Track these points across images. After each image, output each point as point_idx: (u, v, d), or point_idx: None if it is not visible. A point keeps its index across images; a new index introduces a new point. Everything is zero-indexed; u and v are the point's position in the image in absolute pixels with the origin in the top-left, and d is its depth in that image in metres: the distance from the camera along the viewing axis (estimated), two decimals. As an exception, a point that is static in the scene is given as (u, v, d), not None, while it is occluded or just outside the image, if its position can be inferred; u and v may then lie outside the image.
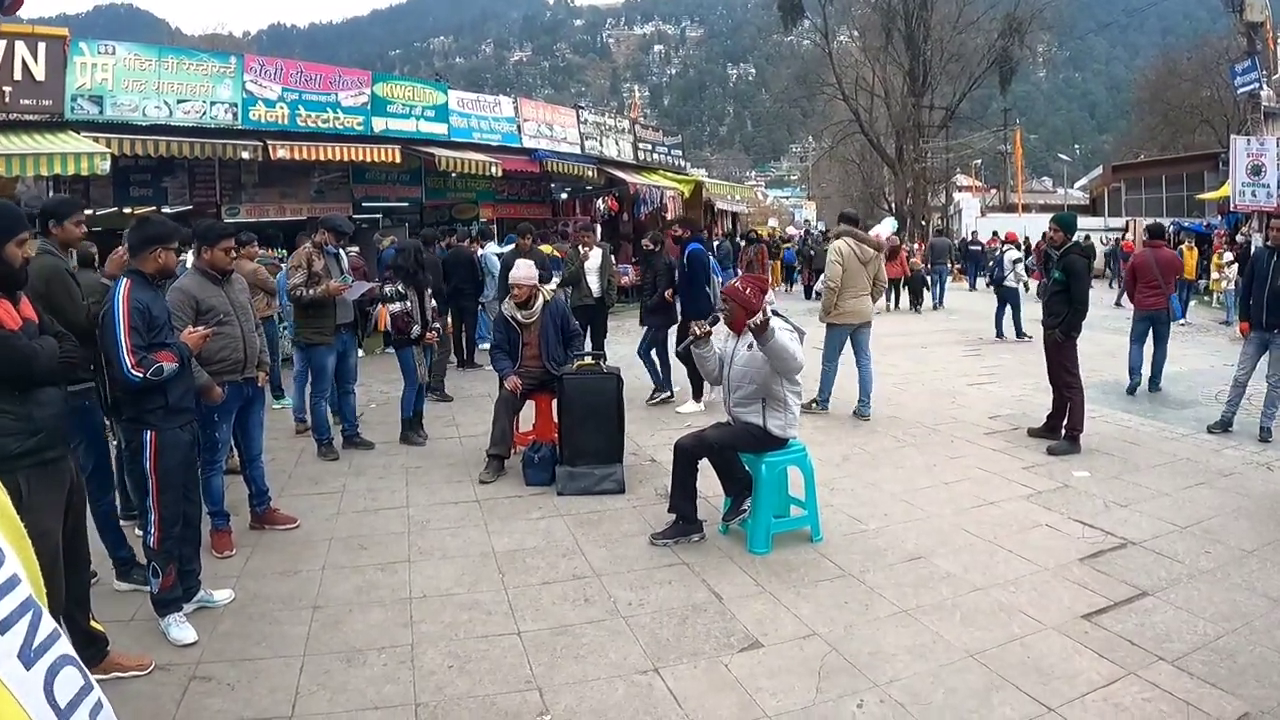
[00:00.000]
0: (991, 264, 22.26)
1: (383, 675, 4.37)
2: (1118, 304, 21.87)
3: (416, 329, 8.97)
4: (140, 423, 4.78)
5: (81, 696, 0.91)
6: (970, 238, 28.48)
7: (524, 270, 8.21)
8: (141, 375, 4.54)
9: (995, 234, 27.05)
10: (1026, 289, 18.47)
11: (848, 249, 10.16)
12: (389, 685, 4.28)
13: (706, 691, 4.17)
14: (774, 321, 6.10)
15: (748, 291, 6.12)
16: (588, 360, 8.08)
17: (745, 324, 6.05)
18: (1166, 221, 27.82)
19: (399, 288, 8.90)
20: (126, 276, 4.82)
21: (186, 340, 4.81)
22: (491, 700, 4.12)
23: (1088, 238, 27.73)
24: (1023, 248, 20.47)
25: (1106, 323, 17.66)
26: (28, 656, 0.85)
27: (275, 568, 5.90)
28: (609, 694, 4.17)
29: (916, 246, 30.04)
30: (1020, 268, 18.52)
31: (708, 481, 6.34)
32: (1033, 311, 13.25)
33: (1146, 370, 11.48)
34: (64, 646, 0.91)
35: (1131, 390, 11.37)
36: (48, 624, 0.90)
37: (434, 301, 9.48)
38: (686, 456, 6.14)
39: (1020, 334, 17.26)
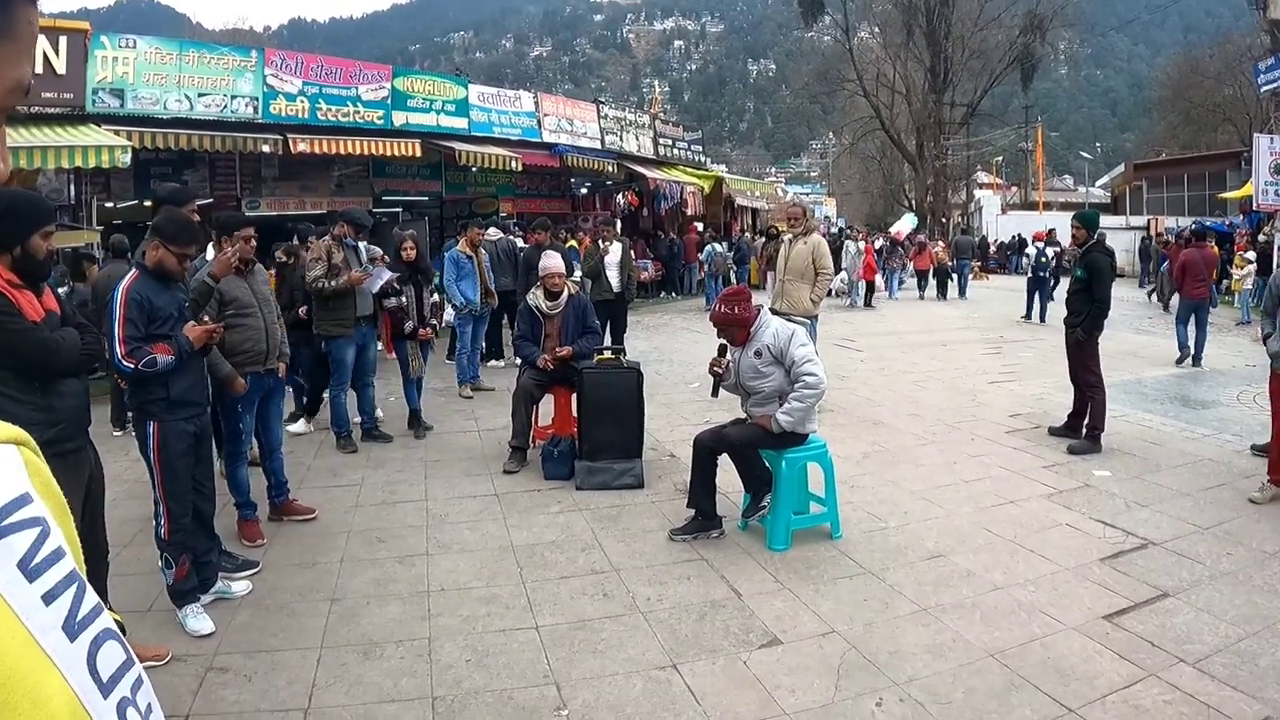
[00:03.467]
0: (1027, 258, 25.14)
1: (400, 668, 4.37)
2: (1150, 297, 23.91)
3: (409, 325, 9.04)
4: (144, 413, 4.81)
5: (123, 671, 0.91)
6: (1048, 236, 28.43)
7: (556, 261, 8.26)
8: (133, 366, 4.56)
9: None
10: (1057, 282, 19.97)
11: None
12: (406, 678, 4.28)
13: (725, 688, 4.16)
14: (775, 323, 6.14)
15: (735, 311, 6.14)
16: (607, 355, 8.07)
17: (747, 335, 6.10)
18: (1188, 220, 27.72)
19: (394, 283, 8.97)
20: (135, 268, 4.85)
21: (189, 334, 4.78)
22: (509, 695, 4.12)
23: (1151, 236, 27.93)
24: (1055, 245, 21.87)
25: (1129, 322, 17.60)
26: (72, 629, 0.85)
27: (293, 559, 5.91)
28: (627, 690, 4.16)
29: (941, 245, 30.35)
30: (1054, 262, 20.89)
31: (727, 477, 6.33)
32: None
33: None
34: (106, 620, 0.91)
35: (1180, 362, 13.26)
36: (91, 598, 0.90)
37: (436, 297, 9.56)
38: (706, 452, 6.13)
39: (1043, 318, 19.51)
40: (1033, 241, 24.95)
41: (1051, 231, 23.06)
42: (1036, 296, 20.32)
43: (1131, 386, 11.41)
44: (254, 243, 6.27)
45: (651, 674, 4.30)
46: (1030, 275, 21.42)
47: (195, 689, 4.17)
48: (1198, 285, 13.46)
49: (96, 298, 8.34)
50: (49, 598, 0.84)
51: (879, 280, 25.99)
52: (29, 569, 0.82)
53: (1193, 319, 13.52)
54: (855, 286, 24.31)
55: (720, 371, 6.29)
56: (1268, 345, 7.20)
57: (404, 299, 9.00)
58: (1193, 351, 13.39)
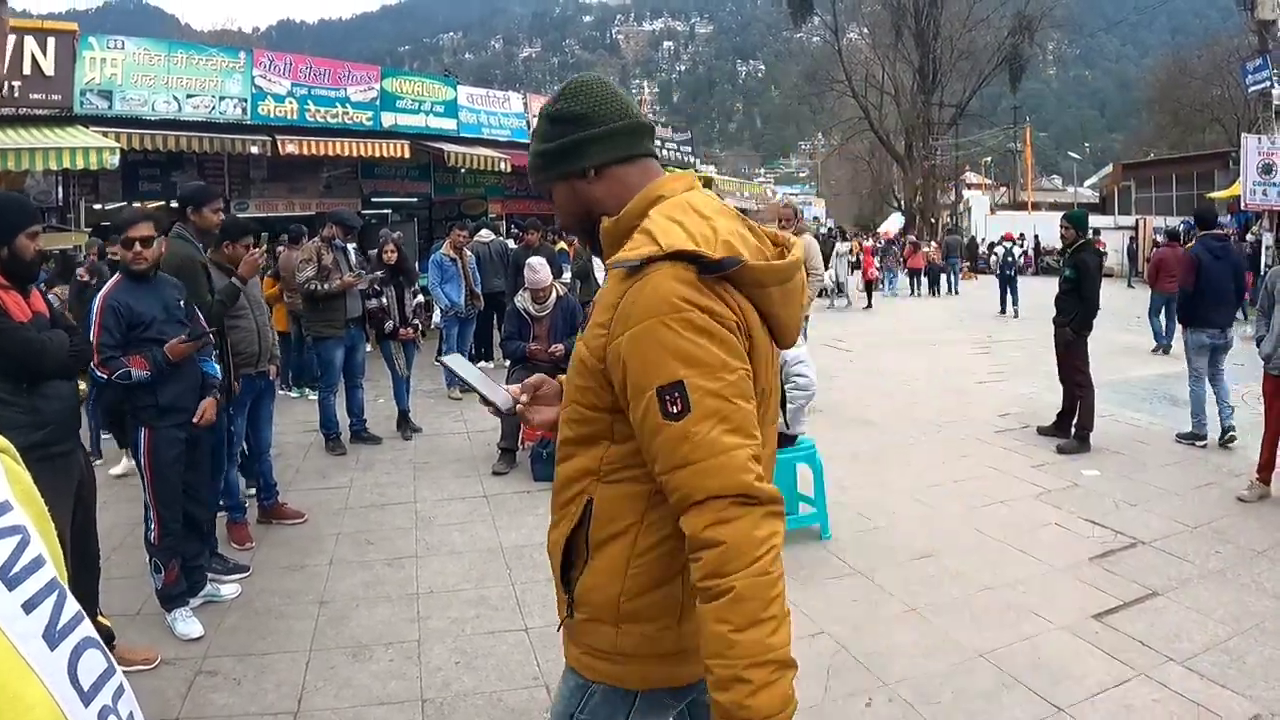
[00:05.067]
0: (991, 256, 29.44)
1: (389, 671, 4.37)
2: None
3: (390, 324, 9.10)
4: (135, 419, 4.78)
5: (104, 679, 0.90)
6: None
7: (542, 273, 8.23)
8: (106, 376, 4.53)
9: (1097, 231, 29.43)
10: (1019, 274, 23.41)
11: None
12: (395, 681, 4.27)
13: (714, 689, 4.15)
14: None
15: None
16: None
17: None
18: (1176, 220, 27.86)
19: (376, 284, 9.02)
20: (117, 273, 4.83)
21: (169, 351, 4.73)
22: (498, 697, 4.11)
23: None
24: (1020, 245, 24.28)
25: (1118, 322, 17.66)
26: (52, 637, 0.85)
27: (282, 562, 5.90)
28: (616, 691, 4.15)
29: (933, 244, 30.94)
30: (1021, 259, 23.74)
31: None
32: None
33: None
34: (87, 629, 0.90)
35: (1155, 351, 14.83)
36: (71, 606, 0.89)
37: (420, 298, 9.67)
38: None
39: (1016, 311, 21.69)
40: (1001, 240, 27.10)
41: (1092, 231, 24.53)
42: (1008, 290, 22.21)
43: (1120, 386, 11.44)
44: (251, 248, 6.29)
45: (641, 675, 4.29)
46: (999, 273, 23.51)
47: (184, 693, 4.15)
48: (1169, 280, 14.25)
49: (84, 302, 8.32)
50: (29, 606, 0.83)
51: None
52: (9, 577, 0.82)
53: (1163, 311, 14.85)
54: (842, 287, 24.52)
55: None
56: (1260, 347, 7.24)
57: (384, 299, 9.04)
58: (1168, 342, 14.65)
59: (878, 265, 27.67)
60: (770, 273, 1.78)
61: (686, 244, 1.72)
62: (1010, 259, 23.23)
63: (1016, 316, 21.29)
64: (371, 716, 3.98)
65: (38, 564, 0.86)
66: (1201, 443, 8.54)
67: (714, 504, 1.67)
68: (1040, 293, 16.22)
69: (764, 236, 1.93)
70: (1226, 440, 8.52)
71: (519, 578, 5.57)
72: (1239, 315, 17.04)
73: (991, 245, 36.48)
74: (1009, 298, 22.14)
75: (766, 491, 1.70)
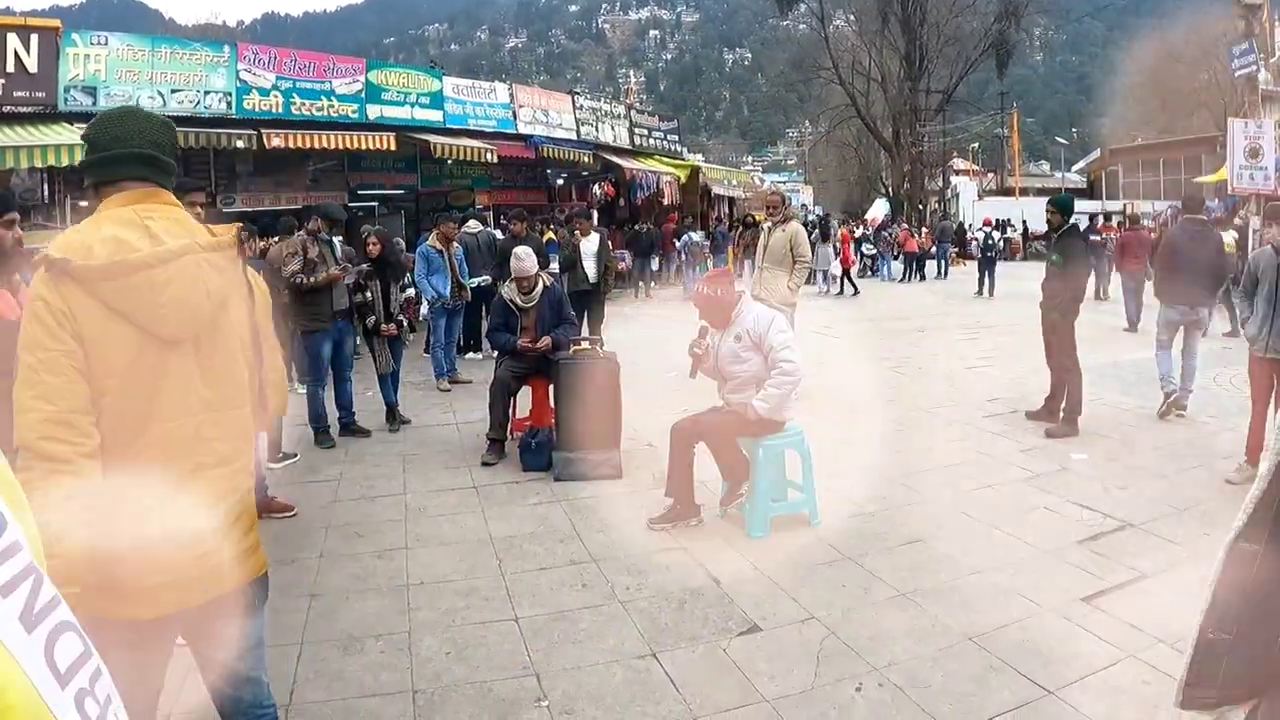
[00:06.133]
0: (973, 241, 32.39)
1: (380, 663, 4.36)
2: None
3: (372, 319, 9.00)
4: None
5: (81, 662, 0.91)
6: (1089, 223, 28.68)
7: (527, 263, 8.21)
8: None
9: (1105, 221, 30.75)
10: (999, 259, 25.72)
11: None
12: (386, 673, 4.26)
13: (705, 676, 4.16)
14: (756, 308, 6.15)
15: (719, 293, 6.14)
16: (584, 345, 8.07)
17: (728, 319, 6.11)
18: (1164, 204, 28.05)
19: (361, 278, 8.95)
20: None
21: None
22: (489, 687, 4.11)
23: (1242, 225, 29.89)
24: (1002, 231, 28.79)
25: (1106, 305, 17.72)
26: (29, 620, 0.86)
27: (271, 555, 5.79)
28: (607, 679, 4.16)
29: (924, 231, 31.38)
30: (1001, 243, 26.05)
31: (705, 465, 6.33)
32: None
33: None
34: (64, 613, 0.91)
35: (1129, 329, 15.40)
36: (48, 589, 0.90)
37: (409, 292, 9.64)
38: (683, 441, 6.13)
39: (991, 293, 23.36)
40: (981, 226, 29.38)
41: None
42: (986, 274, 23.82)
43: (1108, 369, 11.46)
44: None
45: (631, 663, 4.30)
46: (980, 256, 25.49)
47: (177, 687, 4.14)
48: (1135, 262, 15.61)
49: None
50: (5, 590, 0.83)
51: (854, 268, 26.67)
52: (-16, 562, 0.82)
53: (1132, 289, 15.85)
54: (825, 274, 24.68)
55: (700, 353, 6.27)
56: (1245, 328, 7.28)
57: (368, 294, 8.96)
58: (1140, 318, 15.36)
59: (866, 252, 28.13)
60: (86, 272, 2.13)
61: (51, 249, 2.15)
62: (990, 243, 24.97)
63: (992, 295, 23.06)
64: (363, 708, 3.97)
65: (14, 549, 0.86)
66: (1180, 409, 8.67)
67: (23, 453, 2.06)
68: (1028, 278, 16.24)
69: (163, 240, 2.28)
70: (1167, 410, 8.99)
71: (509, 568, 5.56)
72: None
73: (1092, 238, 37.09)
74: (988, 280, 23.66)
75: (48, 451, 2.05)
